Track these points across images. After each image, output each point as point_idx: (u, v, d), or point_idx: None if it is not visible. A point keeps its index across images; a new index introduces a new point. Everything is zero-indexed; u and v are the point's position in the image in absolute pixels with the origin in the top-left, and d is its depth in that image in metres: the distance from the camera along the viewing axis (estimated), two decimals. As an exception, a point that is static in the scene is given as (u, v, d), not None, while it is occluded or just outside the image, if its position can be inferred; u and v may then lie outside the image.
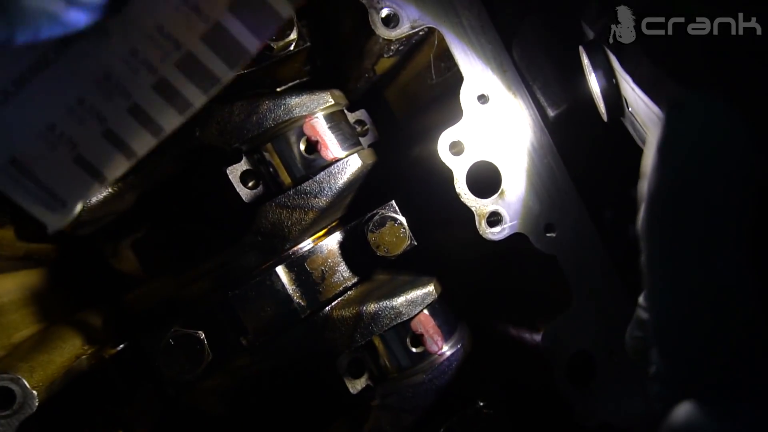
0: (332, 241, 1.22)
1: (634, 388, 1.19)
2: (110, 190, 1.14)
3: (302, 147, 1.17)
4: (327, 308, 1.19)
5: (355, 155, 1.21)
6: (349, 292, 1.23)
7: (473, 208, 1.14)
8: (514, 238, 1.16)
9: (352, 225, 1.24)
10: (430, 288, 1.22)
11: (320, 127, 1.18)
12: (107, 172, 0.75)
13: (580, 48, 1.07)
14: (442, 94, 1.28)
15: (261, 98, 1.16)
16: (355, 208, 1.31)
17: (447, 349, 1.21)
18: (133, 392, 1.31)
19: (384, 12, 1.11)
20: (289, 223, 1.15)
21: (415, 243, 1.23)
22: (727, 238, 0.59)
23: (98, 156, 0.74)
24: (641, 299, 0.70)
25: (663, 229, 0.61)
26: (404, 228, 1.22)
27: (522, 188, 1.17)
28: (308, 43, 1.21)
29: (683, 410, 0.58)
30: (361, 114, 1.33)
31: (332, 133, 1.20)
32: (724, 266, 0.59)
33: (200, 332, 1.13)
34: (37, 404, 0.96)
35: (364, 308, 1.17)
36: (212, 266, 1.16)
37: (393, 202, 1.25)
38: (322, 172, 1.17)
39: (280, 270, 1.15)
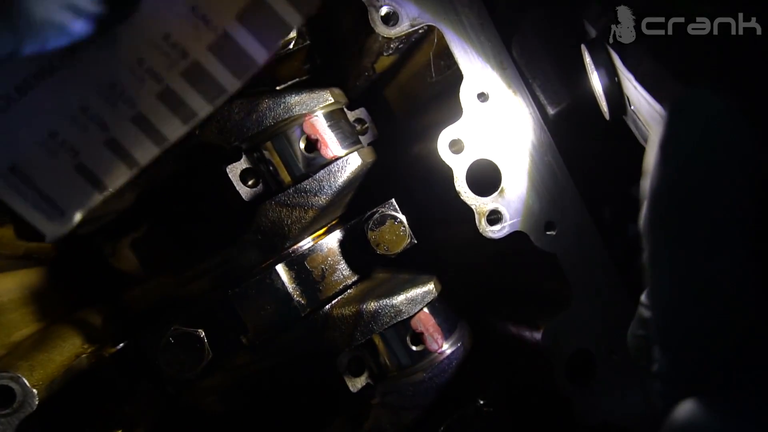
0: (332, 240, 1.22)
1: (634, 387, 1.19)
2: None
3: (302, 145, 1.17)
4: (327, 306, 1.18)
5: (355, 153, 1.21)
6: (349, 291, 1.23)
7: (473, 207, 1.14)
8: (514, 237, 1.16)
9: (352, 223, 1.24)
10: (430, 286, 1.22)
11: (320, 126, 1.18)
12: (108, 181, 0.74)
13: (582, 46, 1.07)
14: (441, 93, 1.28)
15: (261, 96, 1.16)
16: (355, 207, 1.31)
17: (447, 348, 1.21)
18: (133, 391, 1.31)
19: (383, 10, 1.11)
20: (289, 221, 1.15)
21: (415, 241, 1.23)
22: (729, 235, 0.58)
23: (100, 165, 0.73)
24: (643, 297, 0.69)
25: (665, 226, 0.61)
26: (404, 226, 1.21)
27: (522, 186, 1.17)
28: (308, 42, 1.21)
29: (685, 408, 0.58)
30: (360, 112, 1.33)
31: (332, 131, 1.20)
32: (726, 263, 0.59)
33: (200, 330, 1.13)
34: (37, 403, 0.96)
35: (364, 306, 1.17)
36: (212, 265, 1.16)
37: (393, 200, 1.25)
38: (322, 171, 1.17)
39: (280, 268, 1.15)
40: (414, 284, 1.22)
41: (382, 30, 1.12)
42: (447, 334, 1.22)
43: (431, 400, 1.19)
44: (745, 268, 0.59)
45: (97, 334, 1.21)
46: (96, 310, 1.29)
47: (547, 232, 1.18)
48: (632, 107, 1.02)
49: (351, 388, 1.18)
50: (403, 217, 1.22)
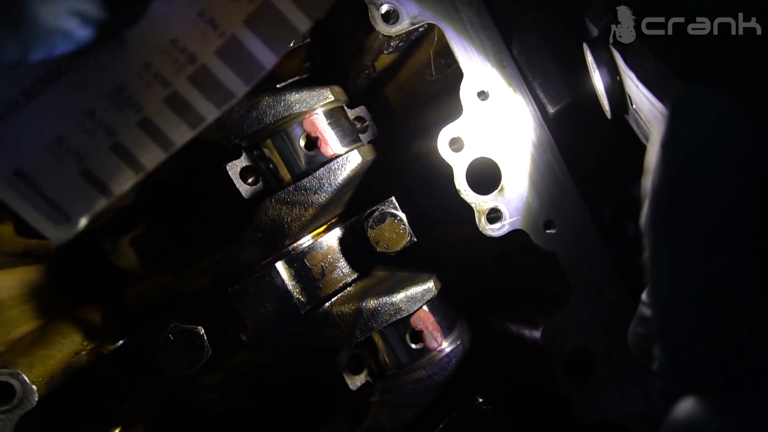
0: (332, 238, 1.22)
1: (633, 386, 1.19)
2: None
3: (302, 143, 1.17)
4: (327, 304, 1.19)
5: (355, 151, 1.21)
6: (348, 289, 1.23)
7: (473, 205, 1.14)
8: (513, 235, 1.16)
9: (352, 221, 1.24)
10: (430, 284, 1.22)
11: (320, 124, 1.18)
12: (114, 186, 0.74)
13: (584, 45, 1.07)
14: (441, 91, 1.28)
15: (261, 94, 1.16)
16: (355, 205, 1.31)
17: (446, 346, 1.21)
18: (133, 388, 1.31)
19: (384, 8, 1.11)
20: (288, 219, 1.15)
21: (415, 239, 1.23)
22: (731, 234, 0.58)
23: (105, 169, 0.73)
24: (644, 296, 0.69)
25: (666, 225, 0.61)
26: (404, 224, 1.22)
27: (522, 185, 1.17)
28: (308, 40, 1.21)
29: (685, 406, 0.58)
30: (360, 111, 1.33)
31: (332, 129, 1.20)
32: (727, 263, 0.59)
33: (200, 328, 1.13)
34: (36, 399, 0.96)
35: (364, 304, 1.17)
36: (212, 262, 1.16)
37: (393, 198, 1.25)
38: (322, 168, 1.17)
39: (280, 266, 1.15)
40: (413, 282, 1.22)
41: (383, 28, 1.12)
42: (446, 332, 1.23)
43: (430, 398, 1.19)
44: (746, 267, 0.59)
45: (96, 332, 1.21)
46: (95, 307, 1.29)
47: (547, 231, 1.18)
48: (634, 106, 1.02)
49: (350, 386, 1.18)
50: (402, 215, 1.22)
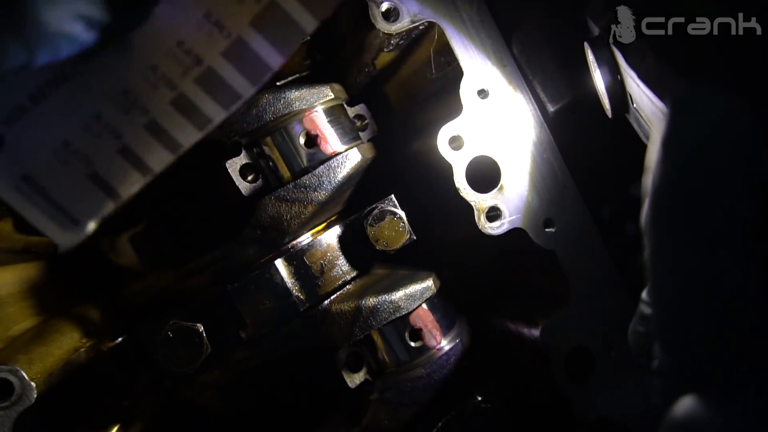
0: (331, 235, 1.22)
1: (632, 384, 1.20)
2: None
3: (302, 141, 1.17)
4: (326, 302, 1.18)
5: (355, 149, 1.21)
6: (348, 286, 1.23)
7: (472, 203, 1.14)
8: (513, 233, 1.16)
9: (352, 219, 1.24)
10: (429, 282, 1.22)
11: (320, 121, 1.18)
12: (122, 189, 0.73)
13: (585, 44, 1.07)
14: (441, 89, 1.28)
15: (261, 92, 1.16)
16: (354, 203, 1.31)
17: (445, 344, 1.21)
18: (132, 385, 1.32)
19: (384, 6, 1.11)
20: (288, 216, 1.15)
21: (414, 237, 1.23)
22: (731, 233, 0.58)
23: (113, 173, 0.73)
24: (644, 294, 0.69)
25: (667, 223, 0.61)
26: (403, 222, 1.21)
27: (521, 183, 1.17)
28: (308, 37, 1.21)
29: (685, 404, 0.58)
30: (360, 108, 1.33)
31: (332, 127, 1.20)
32: (728, 261, 0.59)
33: (199, 325, 1.13)
34: (35, 396, 0.96)
35: (363, 302, 1.17)
36: (211, 260, 1.16)
37: (392, 196, 1.24)
38: (322, 166, 1.17)
39: (279, 263, 1.15)
40: (413, 280, 1.22)
41: (383, 26, 1.12)
42: (445, 331, 1.23)
43: (429, 396, 1.19)
44: (746, 266, 0.59)
45: (95, 329, 1.21)
46: (95, 304, 1.29)
47: (546, 229, 1.18)
48: (634, 105, 1.02)
49: (349, 384, 1.18)
50: (402, 213, 1.22)
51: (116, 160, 0.72)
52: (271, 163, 1.17)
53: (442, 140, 1.14)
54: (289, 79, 1.29)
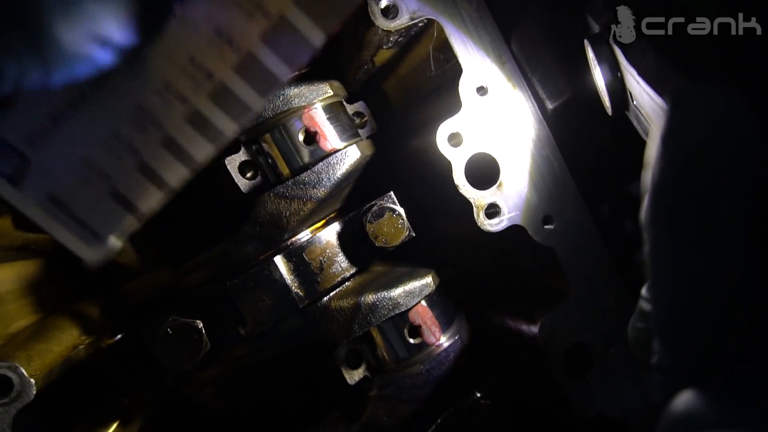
0: (330, 232, 1.22)
1: (631, 381, 1.20)
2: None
3: (301, 137, 1.17)
4: (325, 299, 1.19)
5: (354, 146, 1.21)
6: (347, 283, 1.23)
7: (471, 200, 1.14)
8: (512, 230, 1.16)
9: (351, 216, 1.24)
10: (428, 279, 1.22)
11: (319, 118, 1.18)
12: (142, 205, 0.75)
13: (585, 41, 1.07)
14: (440, 86, 1.28)
15: (260, 89, 1.16)
16: (353, 200, 1.31)
17: (445, 341, 1.22)
18: (131, 382, 1.32)
19: (383, 3, 1.11)
20: (287, 213, 1.15)
21: (413, 234, 1.23)
22: (731, 229, 0.58)
23: (133, 189, 0.74)
24: (644, 291, 0.70)
25: (666, 219, 0.61)
26: (402, 219, 1.22)
27: (520, 180, 1.17)
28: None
29: (684, 399, 0.58)
30: (359, 106, 1.33)
31: (331, 124, 1.20)
32: (727, 256, 0.59)
33: (198, 321, 1.13)
34: (34, 392, 0.96)
35: (362, 299, 1.17)
36: (210, 257, 1.16)
37: (391, 193, 1.25)
38: (321, 163, 1.17)
39: (279, 260, 1.15)
40: (412, 277, 1.22)
41: (382, 23, 1.12)
42: (445, 327, 1.23)
43: (428, 392, 1.20)
44: (746, 263, 0.59)
45: (94, 326, 1.21)
46: (94, 302, 1.29)
47: (545, 226, 1.18)
48: (634, 102, 1.02)
49: (348, 381, 1.19)
50: (401, 210, 1.22)
51: (135, 177, 0.74)
52: (270, 160, 1.17)
53: (441, 137, 1.14)
54: (289, 76, 1.29)
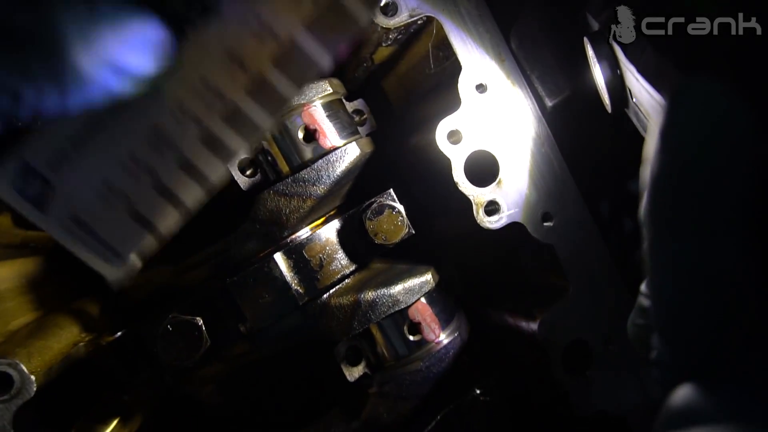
0: (330, 229, 1.22)
1: (630, 377, 1.20)
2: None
3: (300, 135, 1.17)
4: (325, 296, 1.19)
5: (353, 144, 1.21)
6: (347, 280, 1.23)
7: (471, 197, 1.15)
8: (511, 228, 1.16)
9: (350, 213, 1.24)
10: (428, 276, 1.23)
11: (318, 116, 1.18)
12: (160, 224, 0.77)
13: (585, 39, 1.07)
14: (440, 84, 1.29)
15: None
16: (353, 198, 1.31)
17: (444, 338, 1.22)
18: (132, 380, 1.32)
19: (383, 0, 1.11)
20: (287, 210, 1.15)
21: (413, 231, 1.23)
22: (729, 222, 0.58)
23: (151, 209, 0.76)
24: (643, 287, 0.70)
25: (665, 213, 0.61)
26: (402, 216, 1.22)
27: (520, 178, 1.17)
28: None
29: (682, 392, 0.59)
30: (359, 103, 1.33)
31: (330, 121, 1.20)
32: (726, 251, 0.59)
33: (198, 318, 1.13)
34: (35, 389, 0.96)
35: (362, 296, 1.17)
36: (210, 254, 1.16)
37: (391, 190, 1.25)
38: (320, 160, 1.17)
39: (279, 257, 1.15)
40: (411, 274, 1.22)
41: (381, 20, 1.12)
42: (444, 324, 1.23)
43: (428, 389, 1.20)
44: (745, 257, 0.59)
45: (94, 323, 1.21)
46: (94, 299, 1.29)
47: (545, 223, 1.18)
48: (634, 100, 1.02)
49: (348, 378, 1.19)
50: (401, 207, 1.22)
51: (153, 197, 0.76)
52: (269, 158, 1.17)
53: (441, 135, 1.14)
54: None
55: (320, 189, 1.16)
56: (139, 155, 0.74)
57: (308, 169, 1.16)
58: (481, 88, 1.17)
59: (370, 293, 1.17)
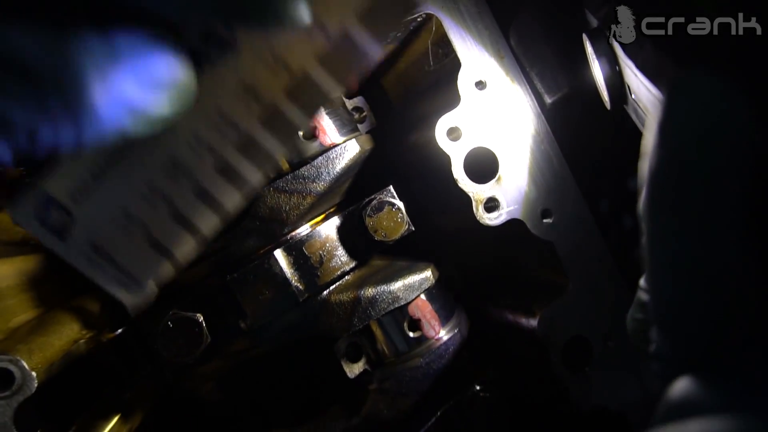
0: (330, 226, 1.23)
1: (629, 374, 1.20)
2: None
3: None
4: (325, 293, 1.19)
5: (353, 141, 1.21)
6: (347, 277, 1.23)
7: (470, 194, 1.15)
8: (511, 224, 1.16)
9: (350, 210, 1.25)
10: (428, 273, 1.23)
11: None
12: (177, 252, 0.78)
13: (584, 35, 1.07)
14: (439, 81, 1.29)
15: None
16: (353, 195, 1.31)
17: (444, 334, 1.22)
18: (133, 377, 1.32)
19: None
20: (287, 207, 1.15)
21: (413, 228, 1.23)
22: (726, 215, 0.59)
23: (168, 237, 0.77)
24: (642, 281, 0.70)
25: (663, 207, 0.61)
26: (402, 213, 1.22)
27: (519, 174, 1.18)
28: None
29: (681, 384, 0.59)
30: (358, 101, 1.34)
31: (330, 118, 1.20)
32: (725, 244, 0.59)
33: (198, 315, 1.13)
34: (36, 385, 0.96)
35: (362, 293, 1.17)
36: (210, 251, 1.16)
37: (391, 187, 1.25)
38: (320, 157, 1.17)
39: (279, 254, 1.15)
40: (411, 271, 1.22)
41: (381, 18, 1.12)
42: (444, 321, 1.23)
43: (428, 385, 1.20)
44: (742, 248, 0.59)
45: (95, 320, 1.22)
46: (94, 296, 1.29)
47: (544, 220, 1.19)
48: (633, 96, 1.02)
49: (348, 374, 1.19)
50: (400, 204, 1.22)
51: (171, 226, 0.77)
52: (269, 155, 1.17)
53: (440, 131, 1.14)
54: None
55: (320, 186, 1.16)
56: (156, 184, 0.76)
57: (308, 165, 1.16)
58: (480, 85, 1.17)
59: (370, 290, 1.18)
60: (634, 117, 1.09)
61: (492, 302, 1.39)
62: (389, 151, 1.37)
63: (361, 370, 1.20)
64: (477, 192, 1.15)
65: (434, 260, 1.30)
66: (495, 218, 1.16)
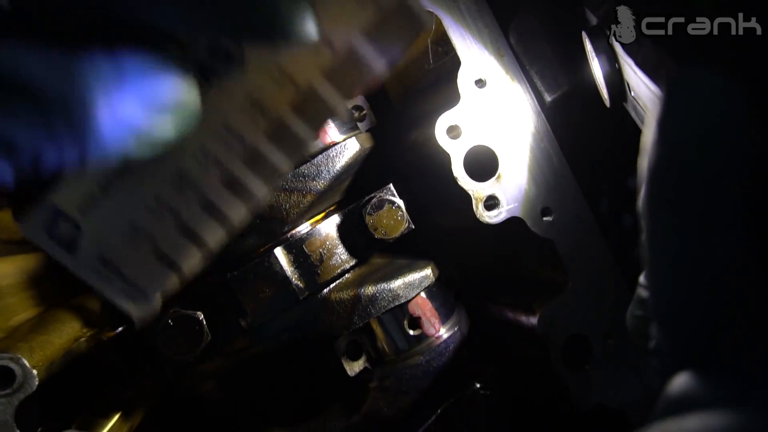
0: (330, 224, 1.23)
1: (629, 371, 1.20)
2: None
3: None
4: (325, 291, 1.19)
5: (353, 139, 1.21)
6: (347, 275, 1.23)
7: (470, 192, 1.15)
8: (511, 222, 1.16)
9: (350, 208, 1.25)
10: (428, 271, 1.23)
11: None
12: (184, 264, 0.78)
13: (583, 33, 1.07)
14: (439, 79, 1.29)
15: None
16: (353, 193, 1.32)
17: (444, 332, 1.22)
18: (133, 375, 1.32)
19: None
20: (287, 206, 1.16)
21: (413, 226, 1.23)
22: (726, 213, 0.59)
23: (175, 250, 0.77)
24: (642, 278, 0.70)
25: (662, 204, 0.61)
26: (402, 211, 1.22)
27: (519, 172, 1.18)
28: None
29: (680, 380, 0.59)
30: (358, 99, 1.34)
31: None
32: (722, 242, 0.59)
33: (199, 313, 1.14)
34: (36, 384, 0.96)
35: (362, 291, 1.18)
36: (210, 249, 1.16)
37: (391, 185, 1.25)
38: (320, 156, 1.17)
39: (279, 252, 1.16)
40: (411, 269, 1.23)
41: (381, 16, 1.12)
42: (444, 319, 1.23)
43: (428, 383, 1.20)
44: (741, 244, 0.59)
45: (95, 319, 1.22)
46: (94, 295, 1.29)
47: (544, 218, 1.19)
48: (632, 93, 1.03)
49: (349, 372, 1.19)
50: (400, 202, 1.22)
51: (177, 238, 0.77)
52: (269, 153, 1.17)
53: (440, 129, 1.14)
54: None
55: (320, 184, 1.16)
56: (163, 197, 0.76)
57: (308, 164, 1.17)
58: (480, 83, 1.17)
59: (370, 288, 1.18)
60: (633, 115, 1.09)
61: (492, 300, 1.39)
62: (389, 150, 1.37)
63: (362, 368, 1.20)
64: (477, 190, 1.15)
65: (434, 258, 1.30)
66: (495, 216, 1.16)
